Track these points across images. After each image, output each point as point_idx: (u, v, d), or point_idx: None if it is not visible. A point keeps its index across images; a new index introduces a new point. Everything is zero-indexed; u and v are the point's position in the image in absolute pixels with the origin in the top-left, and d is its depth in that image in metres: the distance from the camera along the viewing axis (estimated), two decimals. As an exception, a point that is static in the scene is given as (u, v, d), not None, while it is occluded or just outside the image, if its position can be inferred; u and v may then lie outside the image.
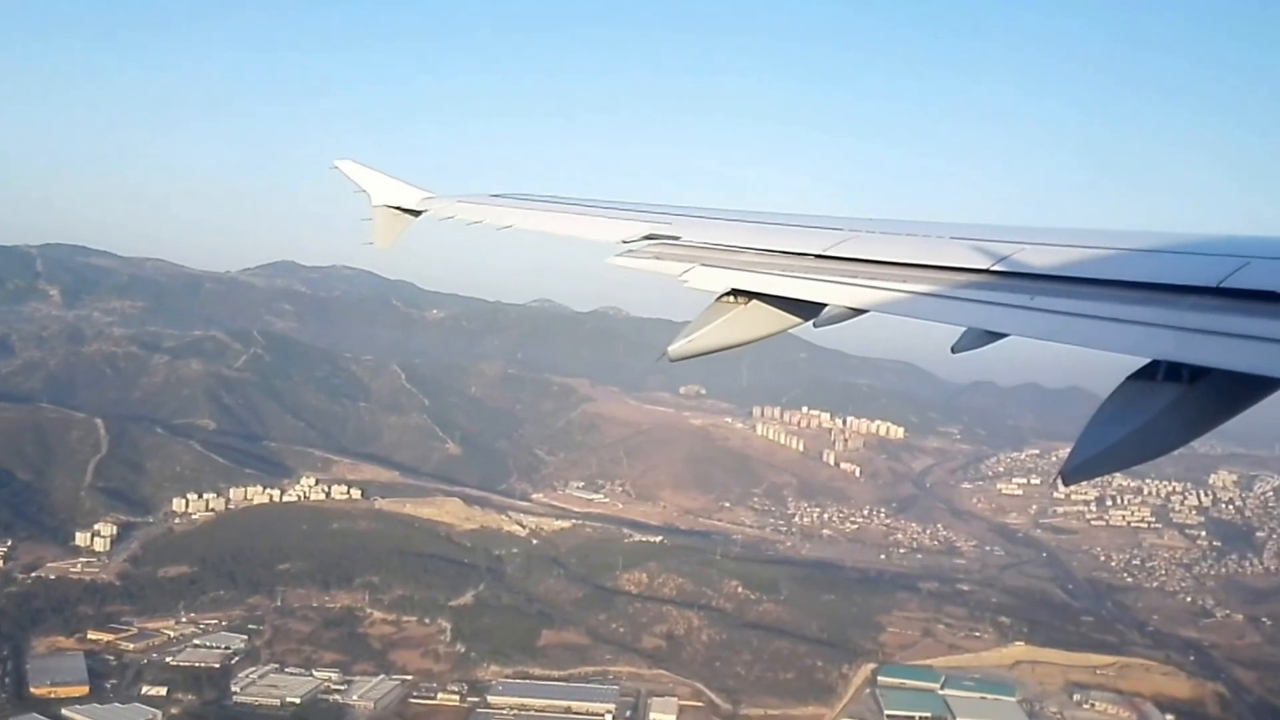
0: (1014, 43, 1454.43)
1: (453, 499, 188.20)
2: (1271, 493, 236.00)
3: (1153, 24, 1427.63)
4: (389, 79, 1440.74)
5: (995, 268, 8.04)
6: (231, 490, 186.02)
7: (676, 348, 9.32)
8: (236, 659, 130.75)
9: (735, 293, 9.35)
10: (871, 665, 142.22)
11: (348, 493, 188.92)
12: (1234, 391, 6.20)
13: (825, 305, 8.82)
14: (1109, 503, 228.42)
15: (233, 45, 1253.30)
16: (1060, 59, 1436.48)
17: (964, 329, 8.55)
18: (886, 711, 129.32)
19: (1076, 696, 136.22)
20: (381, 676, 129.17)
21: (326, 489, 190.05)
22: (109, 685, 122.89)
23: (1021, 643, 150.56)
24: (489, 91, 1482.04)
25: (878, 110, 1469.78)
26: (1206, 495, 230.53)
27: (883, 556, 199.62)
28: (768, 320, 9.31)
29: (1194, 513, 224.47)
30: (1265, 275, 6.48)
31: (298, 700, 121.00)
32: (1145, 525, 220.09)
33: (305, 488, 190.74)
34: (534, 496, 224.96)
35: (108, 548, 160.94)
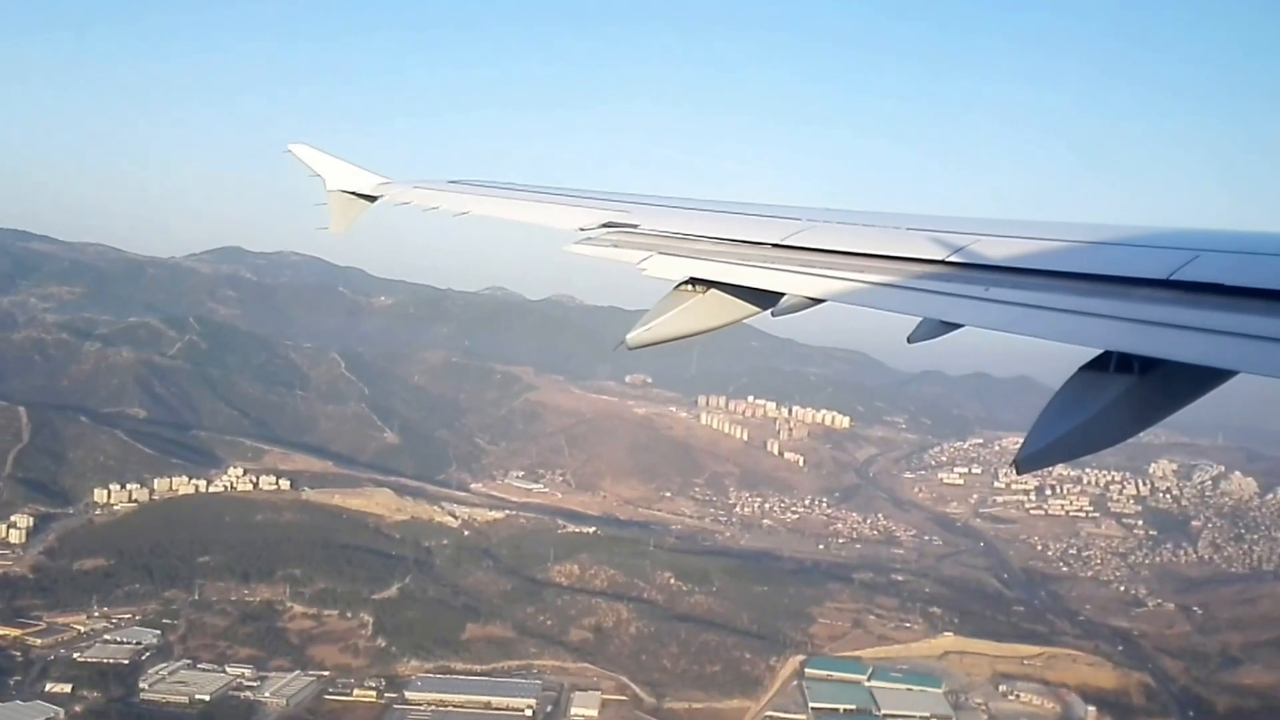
0: (980, 31, 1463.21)
1: (383, 489, 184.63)
2: (1210, 482, 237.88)
3: (1121, 15, 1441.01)
4: (346, 67, 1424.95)
5: (951, 258, 8.11)
6: (156, 481, 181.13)
7: (634, 336, 9.32)
8: (147, 655, 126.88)
9: (693, 281, 9.35)
10: (800, 657, 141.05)
11: (276, 483, 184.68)
12: (1184, 383, 6.32)
13: (783, 294, 8.79)
14: (1048, 492, 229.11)
15: (185, 31, 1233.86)
16: (1026, 49, 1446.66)
17: (920, 319, 8.49)
18: (811, 704, 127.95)
19: (1002, 687, 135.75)
20: (297, 672, 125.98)
21: (254, 479, 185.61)
22: (12, 682, 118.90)
23: (950, 633, 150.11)
24: (448, 81, 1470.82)
25: (839, 100, 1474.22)
26: (1145, 484, 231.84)
27: (821, 547, 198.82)
28: (726, 309, 9.35)
29: (1132, 502, 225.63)
30: (1214, 268, 6.55)
31: (207, 697, 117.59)
32: (1083, 514, 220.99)
33: (232, 478, 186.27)
34: (472, 486, 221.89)
35: (23, 539, 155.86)
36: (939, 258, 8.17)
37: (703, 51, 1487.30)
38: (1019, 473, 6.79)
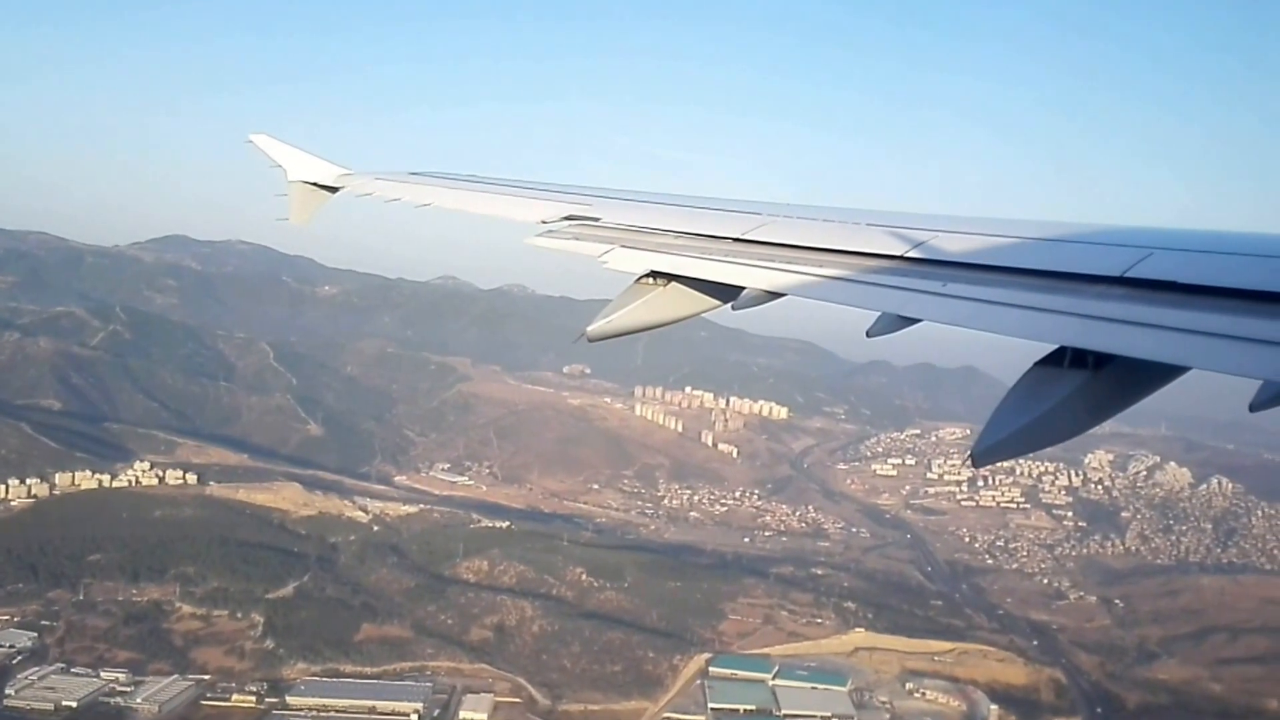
0: (943, 28, 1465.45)
1: (292, 484, 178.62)
2: (1144, 472, 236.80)
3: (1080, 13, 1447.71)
4: (306, 58, 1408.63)
5: (909, 254, 8.22)
6: (58, 476, 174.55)
7: (595, 328, 9.35)
8: (19, 659, 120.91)
9: (654, 274, 9.40)
10: (706, 655, 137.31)
11: (183, 478, 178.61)
12: (1136, 378, 6.40)
13: (743, 288, 8.79)
14: (980, 483, 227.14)
15: (145, 23, 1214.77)
16: (988, 46, 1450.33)
17: (879, 314, 8.33)
18: (711, 704, 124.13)
19: (909, 685, 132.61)
20: (174, 677, 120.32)
21: (160, 474, 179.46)
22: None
23: (862, 629, 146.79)
24: (409, 74, 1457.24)
25: (800, 95, 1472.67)
26: (1078, 475, 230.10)
27: (746, 540, 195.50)
28: (686, 302, 9.38)
29: (1063, 493, 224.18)
30: (1166, 266, 6.68)
31: (74, 704, 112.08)
32: (1014, 506, 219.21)
33: (139, 472, 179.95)
34: (396, 479, 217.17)
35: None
36: (897, 253, 8.27)
37: (664, 46, 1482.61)
38: (975, 466, 6.62)
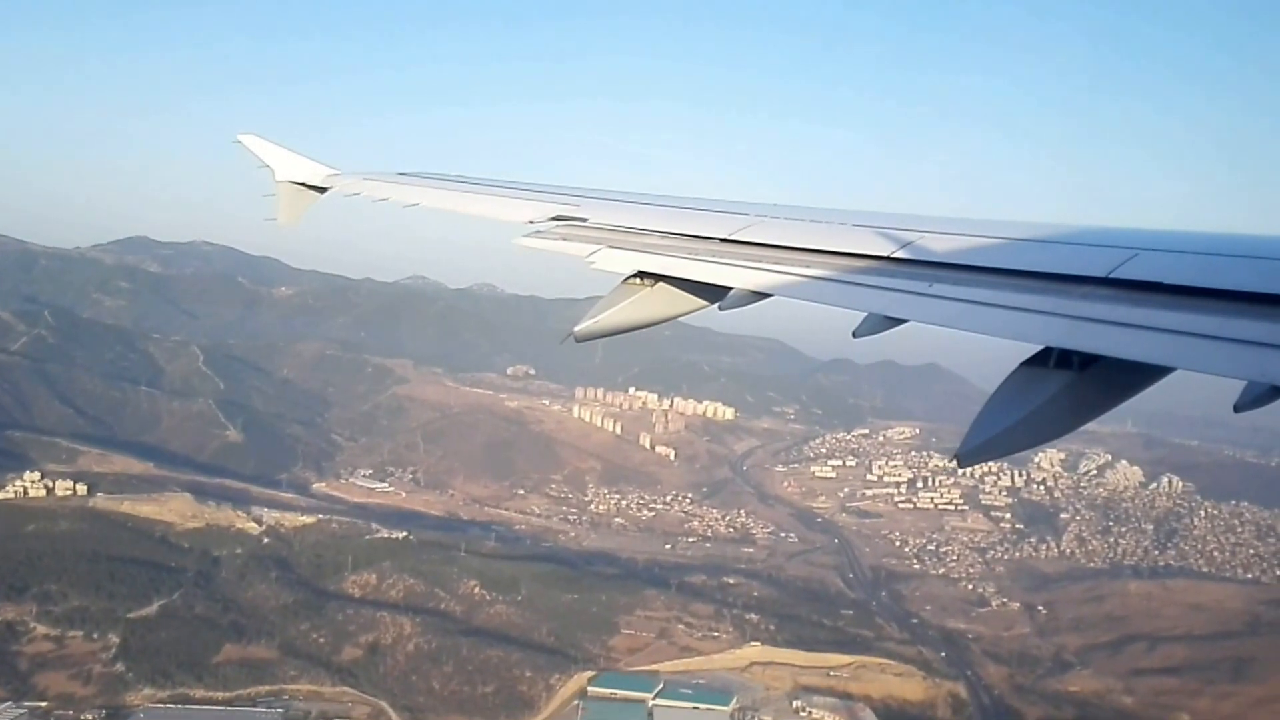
0: (933, 26, 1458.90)
1: (182, 495, 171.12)
2: (1094, 470, 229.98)
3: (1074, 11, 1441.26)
4: (289, 59, 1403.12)
5: (896, 254, 8.18)
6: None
7: (583, 328, 9.27)
8: None
9: (641, 275, 9.32)
10: (589, 673, 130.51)
11: (73, 488, 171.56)
12: (1122, 379, 6.34)
13: (730, 289, 8.70)
14: (919, 485, 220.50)
15: (139, 27, 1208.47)
16: (977, 43, 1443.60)
17: (865, 314, 8.08)
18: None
19: (796, 702, 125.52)
20: (8, 704, 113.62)
21: (50, 484, 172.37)
22: None
23: (758, 643, 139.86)
24: (395, 75, 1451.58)
25: (791, 93, 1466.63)
26: (1022, 475, 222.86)
27: (668, 547, 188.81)
28: (673, 302, 9.30)
29: (1004, 494, 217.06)
30: (1152, 267, 6.62)
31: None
32: (952, 508, 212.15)
33: (27, 483, 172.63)
34: (314, 486, 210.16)
35: None
36: (883, 254, 8.21)
37: (650, 45, 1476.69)
38: (960, 466, 6.50)
